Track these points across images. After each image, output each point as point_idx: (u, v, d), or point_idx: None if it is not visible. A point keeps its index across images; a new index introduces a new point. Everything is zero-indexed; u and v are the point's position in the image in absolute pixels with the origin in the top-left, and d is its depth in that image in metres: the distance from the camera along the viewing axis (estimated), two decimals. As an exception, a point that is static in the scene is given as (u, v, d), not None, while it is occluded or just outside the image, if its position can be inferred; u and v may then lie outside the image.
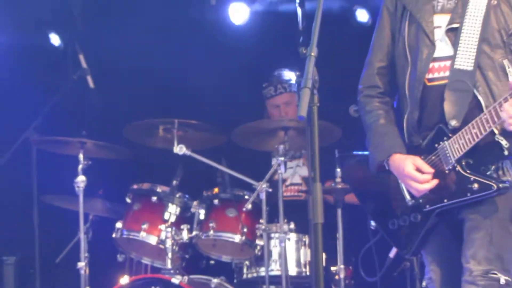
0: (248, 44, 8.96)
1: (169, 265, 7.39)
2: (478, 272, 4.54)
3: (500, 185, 4.47)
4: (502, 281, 4.53)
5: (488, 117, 4.46)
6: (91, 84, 7.83)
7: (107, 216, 8.00)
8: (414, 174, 4.76)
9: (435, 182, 4.75)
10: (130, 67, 8.97)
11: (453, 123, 4.62)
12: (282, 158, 7.29)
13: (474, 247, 4.61)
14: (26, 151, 7.90)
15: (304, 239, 7.66)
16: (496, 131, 4.57)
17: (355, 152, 5.39)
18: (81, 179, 7.45)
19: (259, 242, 7.48)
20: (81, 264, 7.45)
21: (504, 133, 4.56)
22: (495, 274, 4.52)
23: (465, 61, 4.71)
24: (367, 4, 6.95)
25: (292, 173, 8.08)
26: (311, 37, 4.05)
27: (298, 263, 7.57)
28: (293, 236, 7.54)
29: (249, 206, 7.49)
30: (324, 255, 4.83)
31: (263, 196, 7.35)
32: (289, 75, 7.95)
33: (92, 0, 9.04)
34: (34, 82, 8.43)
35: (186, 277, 7.22)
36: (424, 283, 5.29)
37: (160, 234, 7.52)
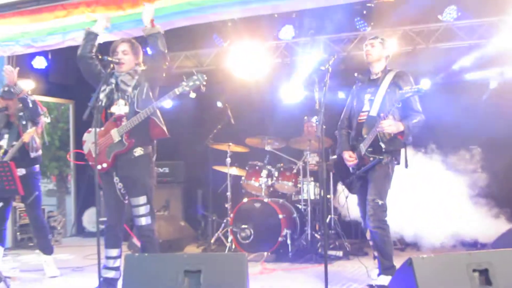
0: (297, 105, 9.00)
1: (263, 194, 7.48)
2: (370, 200, 4.81)
3: (381, 157, 4.75)
4: (380, 203, 4.76)
5: (373, 131, 4.70)
6: (232, 121, 8.00)
7: (239, 175, 7.98)
8: (347, 158, 4.99)
9: (355, 161, 4.98)
10: (246, 111, 8.78)
11: (365, 136, 4.83)
12: (308, 152, 7.46)
13: (369, 189, 4.86)
14: (206, 148, 8.02)
15: (317, 184, 7.63)
16: (380, 140, 4.81)
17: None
18: (228, 160, 7.63)
19: (299, 185, 7.55)
20: (228, 193, 7.64)
21: (383, 141, 4.82)
22: (376, 200, 4.73)
23: (373, 112, 4.89)
24: (344, 91, 6.95)
25: (312, 159, 7.92)
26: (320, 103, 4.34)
27: (315, 193, 7.60)
28: (312, 183, 7.60)
29: (294, 171, 7.55)
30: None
31: (300, 167, 7.49)
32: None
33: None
34: (209, 120, 8.49)
35: (269, 199, 7.34)
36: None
37: (259, 181, 7.59)
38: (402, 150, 4.98)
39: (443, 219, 6.81)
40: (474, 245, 6.78)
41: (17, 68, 6.18)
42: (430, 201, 6.84)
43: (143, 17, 5.22)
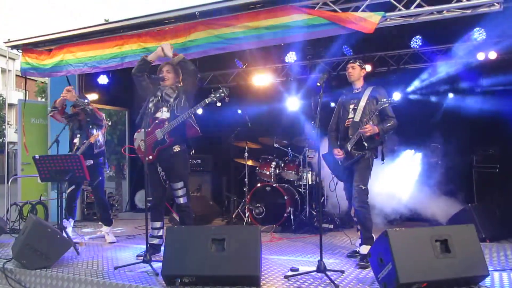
0: (298, 112, 8.87)
1: (272, 180, 7.40)
2: (355, 185, 4.70)
3: (362, 152, 4.68)
4: (363, 188, 4.66)
5: (357, 133, 4.62)
6: (249, 124, 7.94)
7: (254, 165, 7.85)
8: (336, 153, 4.87)
9: (343, 155, 4.87)
10: (259, 116, 8.59)
11: (350, 136, 4.77)
12: (307, 148, 7.37)
13: (355, 177, 4.74)
14: (229, 145, 7.96)
15: (314, 173, 7.48)
16: (363, 139, 4.72)
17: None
18: (246, 154, 7.53)
19: (300, 173, 7.41)
20: (246, 180, 7.52)
21: (365, 140, 4.72)
22: (360, 185, 4.63)
23: (357, 118, 4.81)
24: (334, 101, 6.83)
25: (310, 153, 7.79)
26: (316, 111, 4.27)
27: (312, 180, 7.40)
28: (310, 172, 7.41)
29: (296, 162, 7.44)
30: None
31: (301, 160, 7.41)
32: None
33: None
34: (232, 124, 8.35)
35: (277, 184, 7.23)
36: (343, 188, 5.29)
37: (270, 171, 7.50)
38: (379, 147, 4.94)
39: (410, 200, 6.75)
40: (433, 221, 6.68)
41: (72, 86, 6.30)
42: (401, 186, 6.78)
43: (166, 53, 5.18)
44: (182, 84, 5.24)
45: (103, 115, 6.43)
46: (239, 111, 8.68)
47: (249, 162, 7.77)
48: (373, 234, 4.80)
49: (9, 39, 7.66)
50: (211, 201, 8.44)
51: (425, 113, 7.58)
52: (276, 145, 7.77)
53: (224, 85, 9.00)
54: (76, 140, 6.22)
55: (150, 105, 5.02)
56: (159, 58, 5.39)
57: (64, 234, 5.15)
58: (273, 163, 7.59)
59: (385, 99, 4.74)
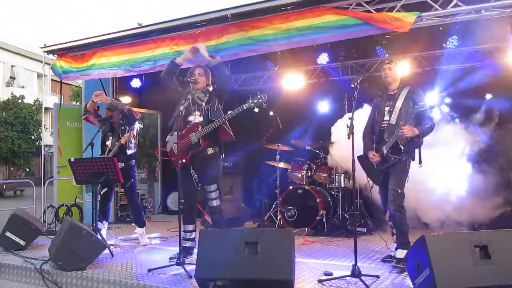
0: (329, 114, 8.73)
1: (304, 183, 7.35)
2: (391, 189, 4.60)
3: (399, 157, 4.59)
4: (399, 192, 4.61)
5: (394, 136, 4.54)
6: (280, 126, 7.88)
7: (285, 168, 7.77)
8: (371, 156, 4.79)
9: (378, 159, 4.79)
10: (291, 119, 8.34)
11: (386, 140, 4.67)
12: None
13: (391, 180, 4.63)
14: (261, 147, 7.94)
15: (348, 173, 7.44)
16: (399, 143, 4.63)
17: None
18: (277, 156, 7.48)
19: (332, 176, 7.38)
20: (277, 182, 7.46)
21: (402, 143, 4.65)
22: (396, 189, 4.54)
23: (393, 120, 4.71)
24: (368, 103, 6.65)
25: None
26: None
27: (344, 183, 7.29)
28: (342, 175, 7.30)
29: (329, 165, 7.40)
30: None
31: (330, 161, 7.34)
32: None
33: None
34: (263, 126, 8.22)
35: (309, 187, 7.21)
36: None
37: (302, 173, 7.43)
38: (417, 150, 4.81)
39: (449, 203, 6.58)
40: (472, 225, 6.49)
41: (101, 91, 6.40)
42: (439, 189, 6.62)
43: (203, 54, 5.24)
44: (213, 88, 5.25)
45: (140, 114, 6.48)
46: (271, 113, 8.66)
47: (281, 165, 7.71)
48: (409, 239, 4.69)
49: (45, 45, 7.87)
50: (242, 203, 8.45)
51: (463, 113, 7.38)
52: (308, 147, 7.72)
53: (255, 87, 9.04)
54: (108, 143, 6.26)
55: (181, 108, 5.06)
56: (189, 60, 5.43)
57: (98, 236, 5.23)
58: (305, 165, 7.53)
59: (422, 103, 4.59)
